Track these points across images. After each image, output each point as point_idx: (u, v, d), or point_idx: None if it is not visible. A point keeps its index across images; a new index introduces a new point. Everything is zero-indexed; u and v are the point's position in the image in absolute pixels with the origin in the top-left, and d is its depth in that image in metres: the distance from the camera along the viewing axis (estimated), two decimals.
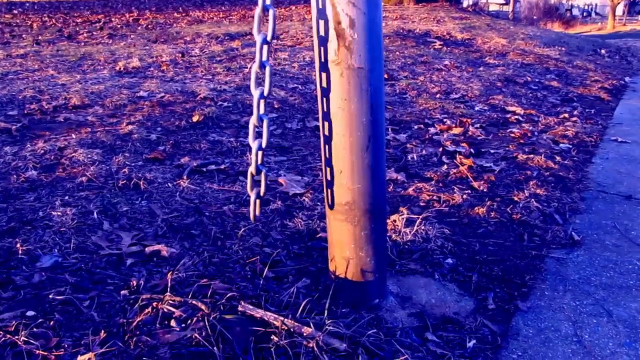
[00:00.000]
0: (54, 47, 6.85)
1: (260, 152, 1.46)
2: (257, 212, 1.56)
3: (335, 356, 1.39)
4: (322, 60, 1.43)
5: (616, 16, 25.05)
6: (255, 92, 1.40)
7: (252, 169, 1.48)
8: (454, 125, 4.04)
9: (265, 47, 1.36)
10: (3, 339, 1.36)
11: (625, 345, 1.61)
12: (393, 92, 5.08)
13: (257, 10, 1.33)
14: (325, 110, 1.49)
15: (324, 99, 1.47)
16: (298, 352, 1.37)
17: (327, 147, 1.54)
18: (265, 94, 1.40)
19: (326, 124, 1.50)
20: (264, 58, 1.37)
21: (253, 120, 1.43)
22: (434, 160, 3.24)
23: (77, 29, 8.90)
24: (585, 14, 32.37)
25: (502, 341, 1.61)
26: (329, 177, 1.57)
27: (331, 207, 1.61)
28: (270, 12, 1.32)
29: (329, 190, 1.59)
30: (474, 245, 2.18)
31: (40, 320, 1.46)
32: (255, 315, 1.50)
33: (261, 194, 1.53)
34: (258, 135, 1.45)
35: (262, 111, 1.42)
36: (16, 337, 1.37)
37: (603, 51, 10.39)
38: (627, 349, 1.59)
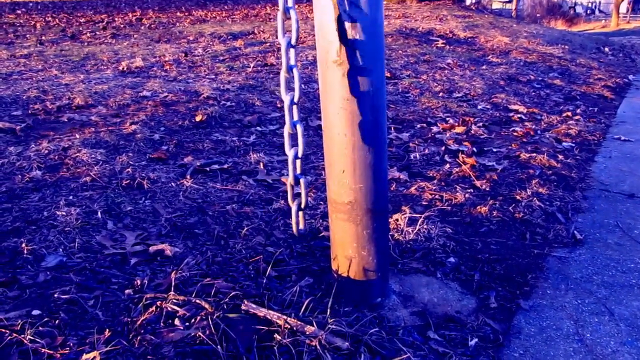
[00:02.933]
0: (57, 47, 6.88)
1: (298, 161, 1.41)
2: (302, 225, 1.46)
3: (337, 355, 1.40)
4: (324, 60, 1.44)
5: (620, 14, 24.93)
6: (286, 98, 1.35)
7: (290, 180, 1.42)
8: (456, 124, 4.04)
9: (291, 50, 1.32)
10: (9, 337, 1.38)
11: (627, 343, 1.62)
12: (396, 91, 5.09)
13: (279, 13, 1.30)
14: (327, 109, 1.50)
15: (326, 99, 1.48)
16: (301, 351, 1.38)
17: (329, 146, 1.55)
18: (296, 99, 1.34)
19: (328, 123, 1.51)
20: (292, 62, 1.33)
21: (287, 128, 1.38)
22: (437, 159, 3.25)
23: (81, 28, 8.92)
24: (588, 11, 32.26)
25: (504, 340, 1.62)
26: (331, 177, 1.58)
27: (334, 206, 1.61)
28: (292, 13, 1.29)
29: (331, 190, 1.60)
30: (476, 244, 2.19)
31: (46, 319, 1.48)
32: (259, 314, 1.51)
33: (302, 205, 1.45)
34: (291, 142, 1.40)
35: (295, 118, 1.37)
36: (22, 335, 1.38)
37: (607, 49, 10.36)
38: (629, 348, 1.60)
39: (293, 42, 1.31)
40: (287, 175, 1.43)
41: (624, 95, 5.99)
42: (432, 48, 7.63)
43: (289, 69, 1.34)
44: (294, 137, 1.42)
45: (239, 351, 1.37)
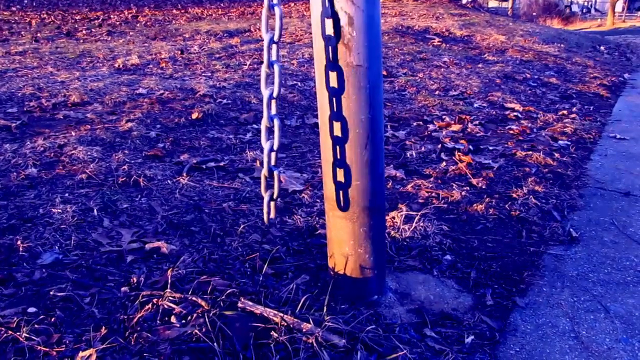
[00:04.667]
0: (52, 44, 6.85)
1: (273, 154, 1.44)
2: (272, 215, 1.53)
3: (334, 352, 1.40)
4: (321, 57, 1.44)
5: (615, 13, 25.00)
6: (265, 92, 1.38)
7: (264, 171, 1.46)
8: (452, 122, 4.04)
9: (274, 46, 1.34)
10: (5, 335, 1.37)
11: (622, 340, 1.63)
12: (392, 89, 5.09)
13: (264, 9, 1.31)
14: (324, 107, 1.50)
15: (323, 96, 1.48)
16: (297, 348, 1.38)
17: (326, 143, 1.55)
18: (275, 94, 1.37)
19: (325, 120, 1.51)
20: (273, 57, 1.35)
21: (264, 122, 1.41)
22: (433, 157, 3.25)
23: (76, 26, 8.89)
24: (584, 10, 32.33)
25: (500, 337, 1.62)
26: (328, 174, 1.58)
27: (330, 203, 1.61)
28: (277, 10, 1.30)
29: (328, 187, 1.60)
30: (472, 242, 2.19)
31: (42, 316, 1.47)
32: (255, 312, 1.51)
33: (274, 196, 1.50)
34: (270, 135, 1.43)
35: (273, 111, 1.40)
36: (18, 333, 1.38)
37: (602, 48, 10.39)
38: (624, 345, 1.61)
39: (276, 38, 1.33)
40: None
41: (619, 94, 6.01)
42: (429, 46, 7.64)
43: (270, 64, 1.36)
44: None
45: (236, 348, 1.37)
